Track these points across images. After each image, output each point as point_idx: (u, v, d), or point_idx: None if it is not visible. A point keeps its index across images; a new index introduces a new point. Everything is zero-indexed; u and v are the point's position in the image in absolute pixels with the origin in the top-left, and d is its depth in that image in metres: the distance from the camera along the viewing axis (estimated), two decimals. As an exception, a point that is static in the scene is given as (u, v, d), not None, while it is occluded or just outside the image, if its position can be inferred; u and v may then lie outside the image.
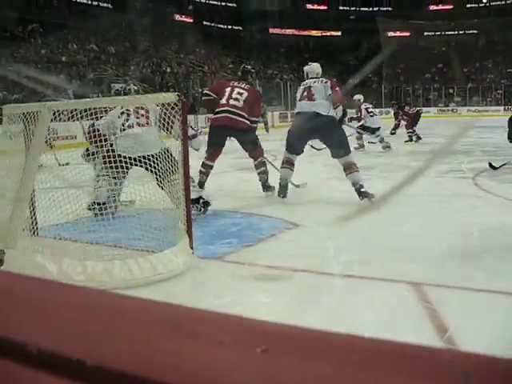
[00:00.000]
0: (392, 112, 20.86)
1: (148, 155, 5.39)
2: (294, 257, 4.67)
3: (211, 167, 7.70)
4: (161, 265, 4.13)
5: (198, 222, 5.29)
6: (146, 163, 5.26)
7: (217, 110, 7.64)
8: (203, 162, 7.68)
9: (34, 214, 5.08)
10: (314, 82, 7.50)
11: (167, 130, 5.29)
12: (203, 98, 8.31)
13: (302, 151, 7.66)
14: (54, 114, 4.81)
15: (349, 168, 7.06)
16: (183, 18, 50.28)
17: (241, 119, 7.48)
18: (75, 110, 4.92)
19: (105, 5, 44.42)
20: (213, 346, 0.53)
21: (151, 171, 5.33)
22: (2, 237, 4.66)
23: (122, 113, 6.15)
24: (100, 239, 4.68)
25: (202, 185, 7.66)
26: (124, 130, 6.08)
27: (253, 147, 7.67)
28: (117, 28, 40.07)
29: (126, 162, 5.37)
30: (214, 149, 7.68)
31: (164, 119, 5.01)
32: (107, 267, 4.05)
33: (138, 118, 6.13)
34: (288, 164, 7.54)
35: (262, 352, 0.50)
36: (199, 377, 0.48)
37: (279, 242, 5.22)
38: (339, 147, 7.19)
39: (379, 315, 3.32)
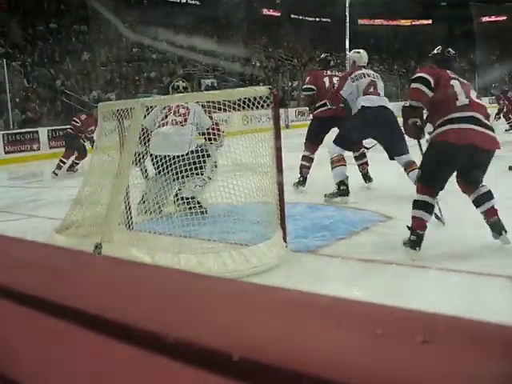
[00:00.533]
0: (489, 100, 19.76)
1: (171, 156, 5.42)
2: (388, 250, 4.58)
3: (312, 160, 7.70)
4: (255, 258, 4.12)
5: (292, 215, 5.25)
6: (169, 163, 5.30)
7: (320, 103, 7.64)
8: (304, 156, 7.67)
9: (129, 208, 5.19)
10: (375, 77, 7.12)
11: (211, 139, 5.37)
12: (306, 93, 8.21)
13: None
14: (147, 109, 4.88)
15: (410, 166, 6.71)
16: (271, 12, 50.31)
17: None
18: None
19: (193, 2, 45.07)
20: (366, 335, 0.49)
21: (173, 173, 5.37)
22: (100, 231, 4.78)
23: (164, 108, 6.18)
24: (194, 233, 4.71)
25: (305, 180, 7.66)
26: (159, 126, 6.09)
27: None
28: (205, 24, 40.55)
29: (159, 161, 5.45)
30: (315, 141, 7.68)
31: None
32: (201, 260, 4.07)
33: (176, 116, 6.15)
34: (343, 161, 6.88)
35: (422, 343, 0.46)
36: (353, 368, 0.44)
37: (372, 235, 5.13)
38: (401, 146, 6.76)
39: (476, 309, 3.19)
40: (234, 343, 0.50)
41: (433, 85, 4.53)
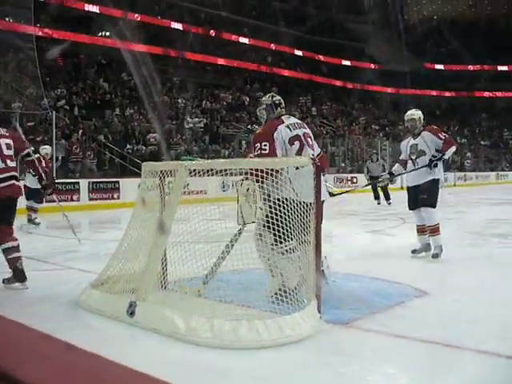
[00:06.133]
0: None
1: None
2: (423, 327, 4.49)
3: None
4: (288, 328, 4.09)
5: (327, 284, 5.21)
6: None
7: None
8: None
9: (166, 267, 5.21)
10: None
11: None
12: None
13: None
14: (190, 172, 4.94)
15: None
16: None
17: None
18: (211, 170, 5.01)
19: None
20: None
21: None
22: (135, 288, 4.81)
23: None
24: (229, 298, 4.71)
25: None
26: None
27: None
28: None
29: None
30: None
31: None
32: (234, 327, 4.07)
33: None
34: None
35: None
36: None
37: (407, 311, 5.03)
38: None
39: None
40: None
41: None
